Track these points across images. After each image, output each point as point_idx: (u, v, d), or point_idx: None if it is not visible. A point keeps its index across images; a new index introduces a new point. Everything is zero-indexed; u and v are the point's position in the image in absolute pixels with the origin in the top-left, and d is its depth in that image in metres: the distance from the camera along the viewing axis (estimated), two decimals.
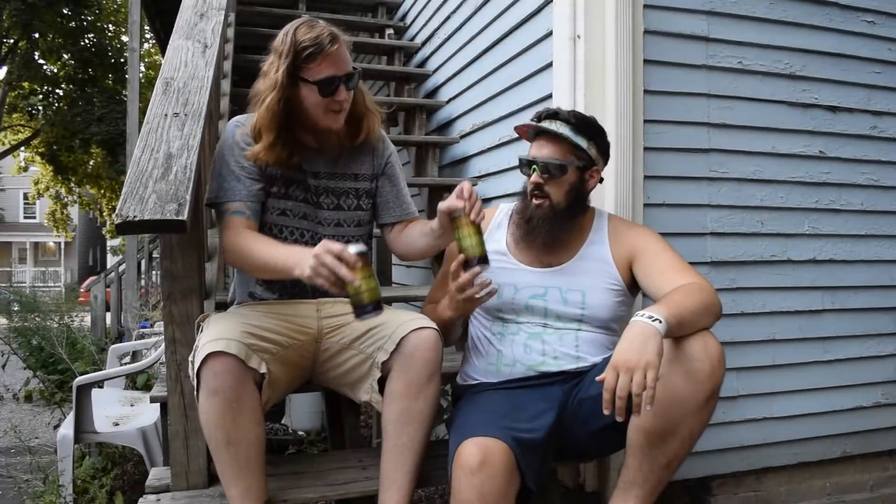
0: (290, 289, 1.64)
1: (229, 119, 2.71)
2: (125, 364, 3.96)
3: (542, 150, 1.64)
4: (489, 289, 1.52)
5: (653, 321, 1.28)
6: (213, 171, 1.60)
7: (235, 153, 1.57)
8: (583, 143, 1.62)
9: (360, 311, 1.35)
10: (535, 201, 1.64)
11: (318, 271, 1.30)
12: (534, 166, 1.63)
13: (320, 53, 1.49)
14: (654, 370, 1.23)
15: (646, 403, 1.22)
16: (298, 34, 1.50)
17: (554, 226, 1.62)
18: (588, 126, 1.64)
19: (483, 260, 1.49)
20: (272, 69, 1.52)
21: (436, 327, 1.52)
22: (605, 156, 1.70)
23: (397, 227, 1.76)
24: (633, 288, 1.68)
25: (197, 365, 1.35)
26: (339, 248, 1.32)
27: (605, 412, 1.25)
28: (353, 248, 1.34)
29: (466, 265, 1.49)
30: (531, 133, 1.69)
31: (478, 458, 1.31)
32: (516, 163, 2.60)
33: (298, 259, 1.36)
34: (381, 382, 1.53)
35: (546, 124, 1.63)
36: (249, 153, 1.55)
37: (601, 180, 1.71)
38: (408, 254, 1.76)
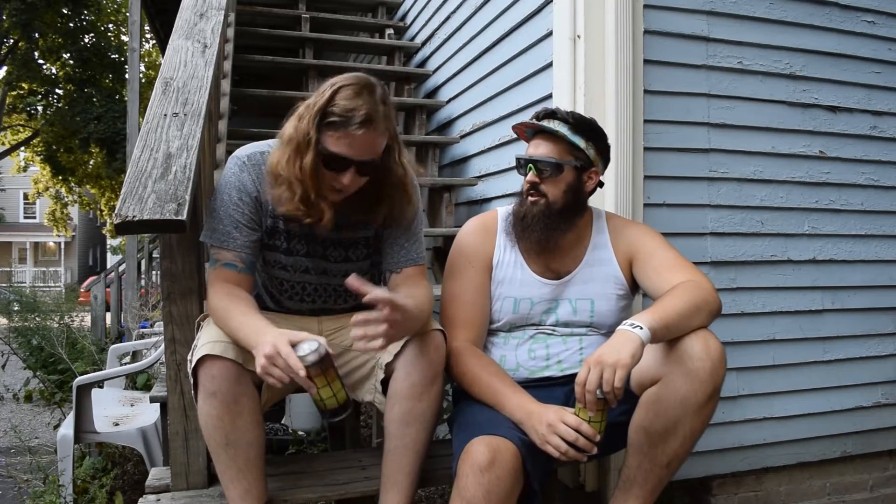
0: (288, 307, 1.64)
1: (229, 118, 2.67)
2: (125, 364, 3.96)
3: (538, 149, 1.62)
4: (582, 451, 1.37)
5: (633, 328, 1.33)
6: (210, 206, 1.49)
7: (237, 196, 1.47)
8: (580, 142, 1.60)
9: (323, 415, 1.33)
10: (530, 199, 1.61)
11: (268, 371, 1.23)
12: (529, 165, 1.61)
13: (342, 128, 1.35)
14: (624, 370, 1.27)
15: (611, 403, 1.30)
16: (338, 96, 1.35)
17: (548, 224, 1.59)
18: (586, 126, 1.63)
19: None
20: (305, 118, 1.38)
21: (441, 329, 1.51)
22: (604, 158, 1.68)
23: (394, 276, 1.59)
24: (634, 287, 1.68)
25: (193, 365, 1.34)
26: (289, 353, 1.21)
27: (578, 405, 1.33)
28: (307, 349, 1.23)
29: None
30: (529, 132, 1.68)
31: (487, 456, 1.31)
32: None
33: (257, 344, 1.26)
34: (384, 383, 1.53)
35: (544, 123, 1.62)
36: (290, 213, 1.43)
37: (601, 185, 1.69)
38: None
